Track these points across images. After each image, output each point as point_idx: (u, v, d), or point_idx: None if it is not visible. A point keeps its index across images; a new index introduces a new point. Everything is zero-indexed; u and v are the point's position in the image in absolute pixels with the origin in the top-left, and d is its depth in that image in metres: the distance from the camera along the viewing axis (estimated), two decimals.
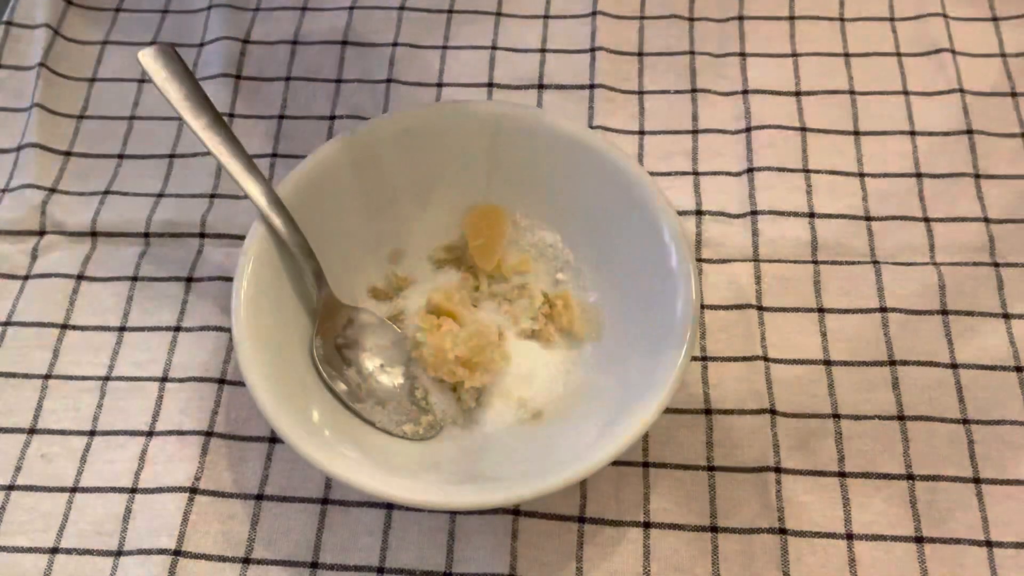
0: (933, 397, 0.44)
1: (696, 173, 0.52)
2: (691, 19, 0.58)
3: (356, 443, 0.41)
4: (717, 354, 0.46)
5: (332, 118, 0.54)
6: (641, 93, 0.55)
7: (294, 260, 0.43)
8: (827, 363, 0.46)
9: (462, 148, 0.47)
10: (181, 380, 0.46)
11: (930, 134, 0.53)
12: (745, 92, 0.54)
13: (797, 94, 0.54)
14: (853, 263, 0.48)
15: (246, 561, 0.41)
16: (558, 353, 0.46)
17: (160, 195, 0.52)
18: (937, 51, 0.55)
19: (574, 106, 0.54)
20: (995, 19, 0.57)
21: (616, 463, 0.37)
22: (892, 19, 0.57)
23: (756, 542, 0.41)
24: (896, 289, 0.48)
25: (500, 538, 0.41)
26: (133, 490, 0.43)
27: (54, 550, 0.42)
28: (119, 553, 0.42)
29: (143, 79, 0.56)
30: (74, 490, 0.43)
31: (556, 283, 0.47)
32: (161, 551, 0.41)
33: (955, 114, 0.53)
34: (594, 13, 0.57)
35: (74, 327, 0.48)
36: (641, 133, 0.53)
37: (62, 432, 0.45)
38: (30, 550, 0.42)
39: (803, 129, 0.53)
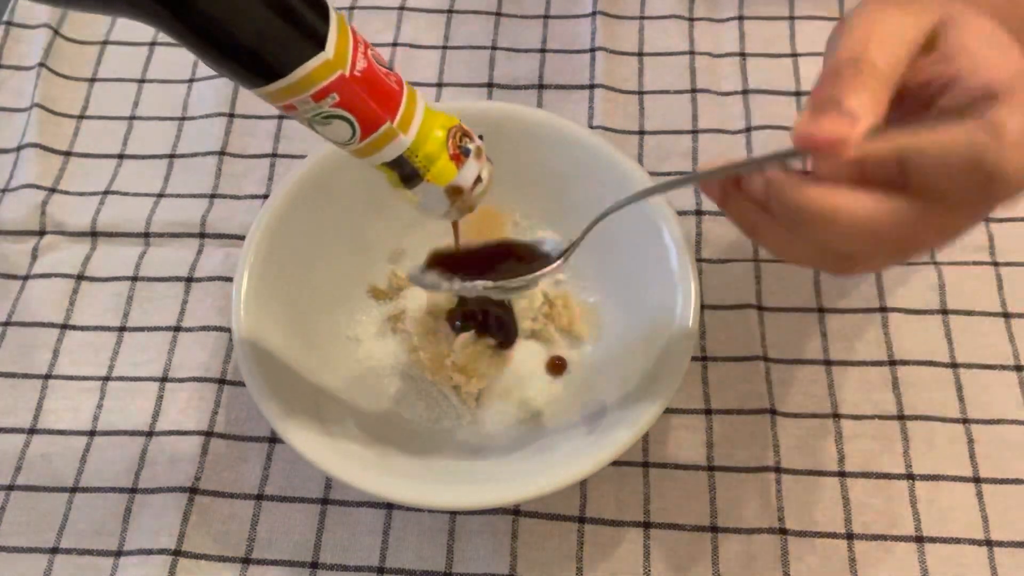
0: (933, 397, 0.44)
1: None
2: (691, 19, 0.58)
3: (359, 441, 0.41)
4: (717, 354, 0.46)
5: None
6: (641, 93, 0.55)
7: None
8: (827, 363, 0.46)
9: None
10: (181, 380, 0.46)
11: None
12: (745, 92, 0.54)
13: (797, 94, 0.54)
14: None
15: (246, 561, 0.41)
16: (558, 353, 0.46)
17: (160, 195, 0.52)
18: None
19: (574, 106, 0.54)
20: None
21: (616, 463, 0.37)
22: None
23: (756, 542, 0.41)
24: (896, 289, 0.47)
25: (500, 538, 0.41)
26: (133, 490, 0.43)
27: (54, 550, 0.42)
28: (119, 553, 0.41)
29: (143, 79, 0.56)
30: (74, 490, 0.43)
31: (556, 283, 0.47)
32: (161, 551, 0.41)
33: None
34: (594, 13, 0.57)
35: (74, 327, 0.48)
36: (641, 133, 0.53)
37: (62, 432, 0.45)
38: (30, 550, 0.42)
39: None
